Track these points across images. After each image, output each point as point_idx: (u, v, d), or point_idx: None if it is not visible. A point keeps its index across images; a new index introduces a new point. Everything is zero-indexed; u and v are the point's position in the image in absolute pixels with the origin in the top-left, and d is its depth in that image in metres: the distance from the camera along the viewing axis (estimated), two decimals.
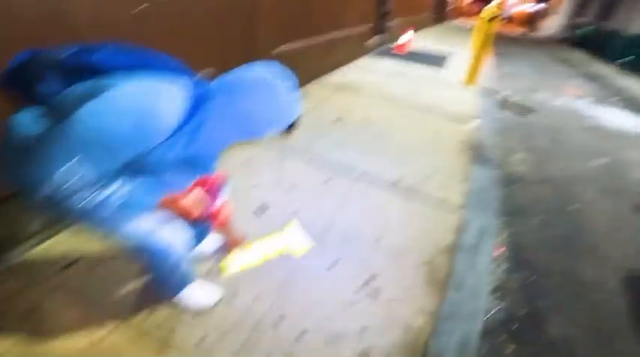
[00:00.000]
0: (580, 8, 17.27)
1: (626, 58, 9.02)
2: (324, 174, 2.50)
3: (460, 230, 2.07)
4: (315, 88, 4.24)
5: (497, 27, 4.68)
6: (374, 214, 2.12)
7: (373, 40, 6.52)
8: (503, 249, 2.16)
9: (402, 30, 7.34)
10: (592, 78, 7.73)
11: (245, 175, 2.36)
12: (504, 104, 4.80)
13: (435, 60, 6.69)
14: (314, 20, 3.94)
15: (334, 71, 5.01)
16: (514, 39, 16.51)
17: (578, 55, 11.25)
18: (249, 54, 2.82)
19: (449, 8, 20.07)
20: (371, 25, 6.12)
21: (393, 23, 7.58)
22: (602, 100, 5.88)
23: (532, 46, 13.47)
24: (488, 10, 4.42)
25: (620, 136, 4.29)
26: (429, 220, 2.13)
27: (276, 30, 3.15)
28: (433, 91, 4.65)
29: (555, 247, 2.27)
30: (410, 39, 7.21)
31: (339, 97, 3.97)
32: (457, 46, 8.89)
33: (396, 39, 7.37)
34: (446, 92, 4.65)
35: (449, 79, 5.27)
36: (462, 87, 4.93)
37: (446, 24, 18.94)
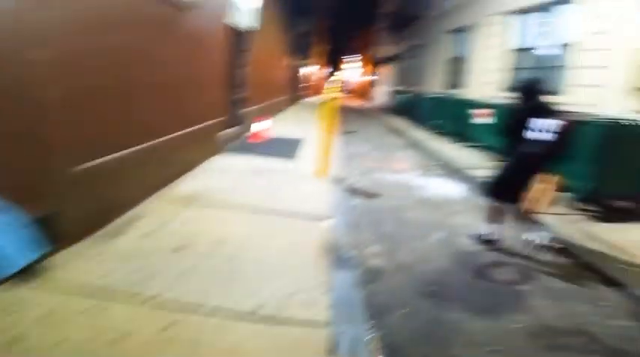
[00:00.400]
0: (399, 77, 21.24)
1: (436, 122, 10.68)
2: (164, 319, 2.03)
3: (330, 352, 1.89)
4: (152, 204, 3.66)
5: (337, 106, 5.19)
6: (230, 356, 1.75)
7: (227, 134, 6.48)
8: None
9: (259, 117, 7.54)
10: (416, 146, 9.12)
11: (45, 333, 1.73)
12: (353, 192, 5.12)
13: (290, 146, 6.95)
14: (138, 125, 3.47)
15: (181, 178, 4.54)
16: (355, 111, 19.12)
17: (403, 123, 13.28)
18: (38, 176, 2.33)
19: (302, 87, 22.54)
20: (222, 118, 6.08)
21: (249, 111, 7.79)
22: (427, 170, 6.82)
23: (369, 118, 15.66)
24: (328, 90, 4.98)
25: (447, 205, 4.94)
26: (294, 348, 1.87)
27: (78, 143, 2.63)
28: (289, 188, 4.64)
29: (427, 337, 2.27)
30: (266, 127, 7.43)
31: (184, 214, 3.55)
32: (310, 124, 9.68)
33: (252, 128, 7.55)
34: (302, 187, 4.70)
35: (303, 171, 5.39)
36: (316, 179, 5.12)
37: (301, 103, 21.07)
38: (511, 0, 9.23)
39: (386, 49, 22.58)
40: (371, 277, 2.99)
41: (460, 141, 9.11)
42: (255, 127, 7.25)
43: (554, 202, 4.01)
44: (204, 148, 5.36)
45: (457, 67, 12.74)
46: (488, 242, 3.47)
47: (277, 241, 3.19)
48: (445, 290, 2.86)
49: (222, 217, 3.62)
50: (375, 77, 29.91)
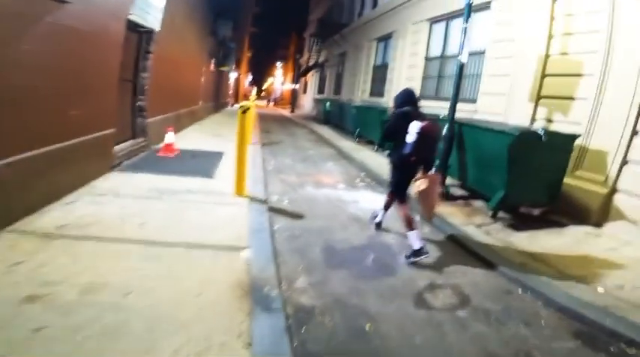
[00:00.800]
0: (326, 85, 21.32)
1: (362, 130, 10.61)
2: None
3: None
4: (7, 241, 2.74)
5: (253, 115, 4.56)
6: None
7: (126, 147, 5.44)
8: None
9: (171, 127, 6.52)
10: (343, 156, 8.84)
11: None
12: (277, 213, 4.50)
13: (208, 161, 6.12)
14: None
15: (52, 204, 3.52)
16: (280, 120, 18.59)
17: (330, 132, 13.01)
18: None
19: (227, 94, 21.37)
20: (117, 128, 5.05)
21: (157, 121, 6.76)
22: (355, 182, 6.44)
23: (294, 127, 15.22)
24: (252, 98, 4.30)
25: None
26: None
27: None
28: (200, 212, 3.86)
29: None
30: (172, 139, 6.45)
31: (46, 252, 2.64)
32: (232, 135, 8.88)
33: (159, 140, 6.53)
34: (216, 211, 3.95)
35: (220, 190, 4.66)
36: (234, 199, 4.41)
37: (226, 110, 19.93)
38: (433, 7, 9.48)
39: (312, 57, 22.47)
40: (300, 319, 2.40)
41: (380, 148, 9.03)
42: (167, 138, 6.28)
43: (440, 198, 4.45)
44: (89, 165, 4.33)
45: (381, 75, 12.90)
46: (417, 253, 3.37)
47: (182, 282, 2.46)
48: (387, 332, 2.37)
49: (103, 253, 2.74)
50: (299, 86, 29.75)
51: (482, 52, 7.42)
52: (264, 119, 16.96)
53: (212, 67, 13.53)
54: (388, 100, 11.39)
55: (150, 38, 5.91)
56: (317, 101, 19.03)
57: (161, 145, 6.36)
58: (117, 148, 5.14)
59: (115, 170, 4.98)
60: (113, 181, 4.62)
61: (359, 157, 8.19)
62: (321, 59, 21.86)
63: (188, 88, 9.75)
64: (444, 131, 5.38)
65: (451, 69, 8.68)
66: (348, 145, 10.11)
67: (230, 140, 8.37)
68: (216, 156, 6.59)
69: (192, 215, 3.79)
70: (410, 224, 3.39)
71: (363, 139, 10.51)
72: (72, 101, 3.84)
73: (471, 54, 7.87)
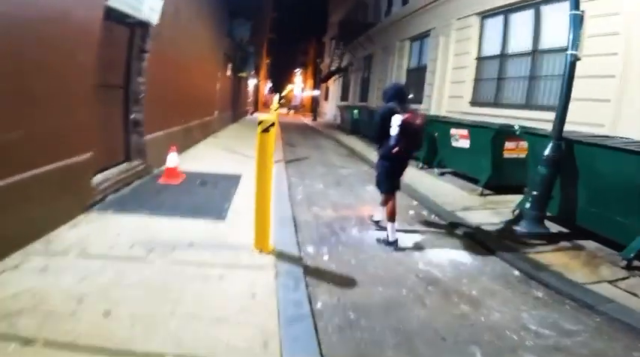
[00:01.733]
0: (351, 91, 19.90)
1: None
2: None
3: None
4: None
5: (273, 139, 3.13)
6: None
7: (111, 176, 4.13)
8: None
9: (175, 145, 5.19)
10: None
11: None
12: (315, 277, 3.06)
13: (221, 191, 4.76)
14: None
15: None
16: (303, 129, 17.25)
17: (358, 143, 11.43)
18: None
19: (245, 103, 20.23)
20: (97, 151, 3.75)
21: (158, 138, 5.48)
22: (408, 216, 4.89)
23: (319, 138, 13.79)
24: (274, 106, 2.94)
25: (468, 288, 3.06)
26: None
27: None
28: (202, 286, 2.42)
29: None
30: (176, 161, 5.09)
31: None
32: (252, 151, 7.53)
33: (161, 162, 5.22)
34: (227, 282, 2.50)
35: (234, 241, 3.27)
36: (253, 256, 3.01)
37: (245, 120, 18.75)
38: (485, 0, 7.94)
39: (334, 62, 21.14)
40: None
41: (429, 166, 7.51)
42: (170, 161, 4.95)
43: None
44: (51, 207, 3.01)
45: (417, 78, 11.39)
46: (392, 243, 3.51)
47: None
48: None
49: None
50: (320, 92, 28.45)
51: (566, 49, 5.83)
52: (286, 129, 15.64)
53: (229, 72, 12.31)
54: (430, 107, 9.86)
55: (145, 34, 4.62)
56: (342, 109, 17.57)
57: (165, 168, 5.03)
58: (99, 177, 3.83)
59: (94, 210, 3.65)
60: (85, 228, 3.27)
61: (404, 178, 6.66)
62: (344, 64, 20.49)
63: (201, 97, 8.50)
64: (547, 151, 3.84)
65: (515, 69, 7.11)
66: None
67: (249, 157, 7.03)
68: (232, 182, 5.21)
69: (190, 292, 2.39)
70: (392, 216, 3.51)
71: None
72: (10, 119, 2.52)
73: (549, 51, 6.31)
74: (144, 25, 4.68)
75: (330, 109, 25.34)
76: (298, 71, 47.16)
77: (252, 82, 22.94)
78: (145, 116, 4.74)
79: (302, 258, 3.22)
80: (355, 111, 13.69)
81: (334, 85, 24.81)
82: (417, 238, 4.06)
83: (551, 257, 3.51)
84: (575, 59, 3.73)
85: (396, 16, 13.13)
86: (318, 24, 32.13)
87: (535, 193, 3.95)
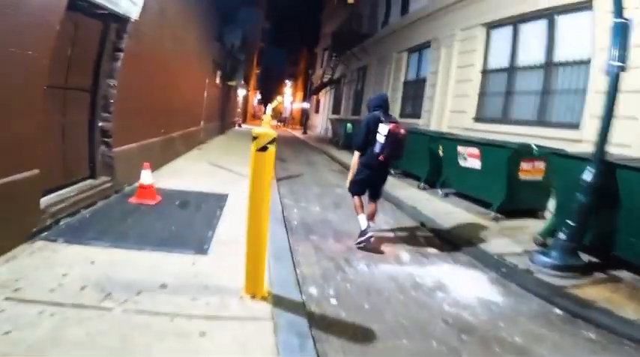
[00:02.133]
0: (336, 104, 19.45)
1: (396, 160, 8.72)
2: None
3: None
4: None
5: (272, 160, 2.46)
6: None
7: (66, 196, 3.39)
8: None
9: (148, 161, 4.49)
10: (383, 196, 6.80)
11: None
12: (321, 329, 2.41)
13: (204, 214, 4.08)
14: None
15: None
16: (293, 143, 16.65)
17: (348, 157, 11.10)
18: None
19: (233, 113, 19.56)
20: (35, 171, 3.02)
21: (131, 150, 4.77)
22: (416, 242, 4.33)
23: (311, 153, 13.24)
24: (260, 134, 2.12)
25: (509, 336, 2.45)
26: None
27: None
28: (176, 350, 1.83)
29: None
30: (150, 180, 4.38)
31: None
32: (242, 166, 6.86)
33: (134, 179, 4.51)
34: (209, 342, 1.89)
35: (218, 283, 2.58)
36: (243, 303, 2.34)
37: (233, 131, 18.05)
38: (492, 10, 7.54)
39: (327, 73, 20.75)
40: None
41: (430, 186, 6.97)
42: (143, 177, 4.24)
43: None
44: None
45: (415, 91, 10.97)
46: (363, 233, 3.67)
47: None
48: None
49: None
50: (310, 104, 28.02)
51: (587, 62, 5.41)
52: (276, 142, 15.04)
53: (218, 80, 11.69)
54: (429, 123, 9.39)
55: (121, 30, 3.97)
56: (334, 122, 17.04)
57: (139, 185, 4.32)
58: (50, 198, 3.12)
59: (40, 238, 2.92)
60: (23, 262, 2.55)
61: (406, 199, 6.09)
62: (336, 75, 20.10)
63: (185, 105, 7.84)
64: (588, 177, 3.30)
65: (526, 83, 6.67)
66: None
67: (237, 174, 6.37)
68: (217, 202, 4.54)
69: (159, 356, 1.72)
70: (358, 210, 3.74)
71: (399, 170, 8.42)
72: None
73: (567, 64, 5.88)
74: (121, 20, 4.03)
75: (320, 122, 24.87)
76: (288, 83, 46.85)
77: (241, 92, 22.34)
78: (115, 125, 4.05)
79: (305, 304, 2.58)
80: (348, 125, 13.17)
81: (325, 98, 24.41)
82: (435, 272, 3.46)
83: (591, 291, 3.05)
84: (621, 71, 3.23)
85: (394, 27, 12.78)
86: (310, 35, 31.92)
87: (571, 222, 3.40)
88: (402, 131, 3.53)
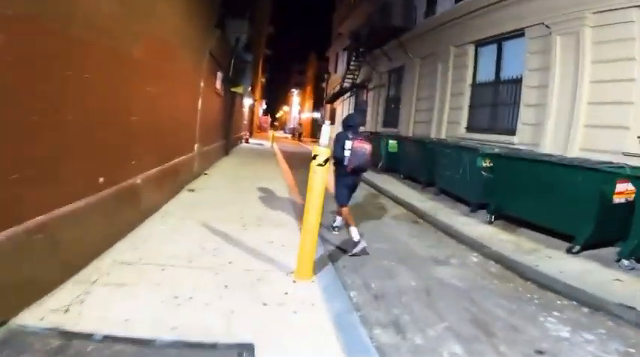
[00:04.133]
0: (372, 114, 16.46)
1: (492, 203, 5.49)
2: None
3: None
4: None
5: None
6: None
7: None
8: None
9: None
10: (513, 280, 3.68)
11: None
12: None
13: None
14: None
15: None
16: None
17: (405, 190, 7.86)
18: None
19: (240, 127, 16.29)
20: None
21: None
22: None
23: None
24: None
25: None
26: None
27: None
28: None
29: None
30: None
31: None
32: (271, 229, 3.64)
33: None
34: None
35: None
36: None
37: (240, 149, 14.68)
38: None
39: (348, 77, 17.72)
40: None
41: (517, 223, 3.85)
42: None
43: None
44: None
45: (495, 96, 7.87)
46: (335, 228, 4.60)
47: None
48: None
49: None
50: (321, 114, 24.97)
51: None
52: (294, 162, 11.90)
53: (218, 84, 8.58)
54: (537, 142, 6.26)
55: None
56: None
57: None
58: None
59: None
60: None
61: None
62: (359, 79, 17.05)
63: (164, 123, 4.73)
64: None
65: None
66: (480, 233, 4.85)
67: (267, 259, 3.13)
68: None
69: None
70: (348, 222, 4.02)
71: (501, 213, 5.27)
72: None
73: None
74: None
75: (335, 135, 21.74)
76: (295, 91, 43.97)
77: (247, 102, 19.31)
78: None
79: None
80: (391, 142, 10.05)
81: (343, 106, 21.39)
82: None
83: None
84: None
85: (448, 16, 9.71)
86: (319, 38, 29.03)
87: None
88: (366, 146, 3.93)
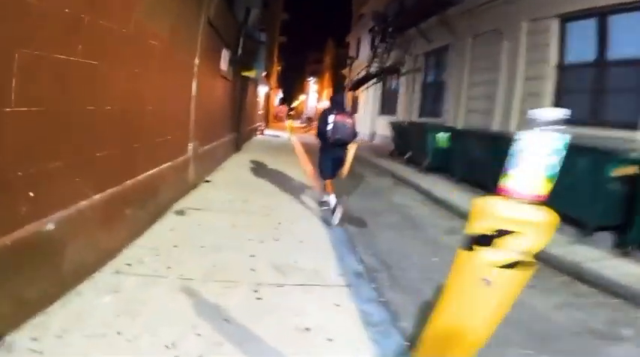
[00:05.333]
0: (387, 102, 14.50)
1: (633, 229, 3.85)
2: None
3: None
4: None
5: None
6: None
7: None
8: None
9: None
10: None
11: None
12: None
13: None
14: None
15: None
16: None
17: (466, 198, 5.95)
18: None
19: (254, 118, 14.34)
20: None
21: None
22: None
23: (384, 186, 8.14)
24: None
25: None
26: None
27: None
28: None
29: None
30: None
31: None
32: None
33: None
34: None
35: None
36: None
37: (255, 142, 12.61)
38: None
39: (375, 62, 15.64)
40: None
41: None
42: None
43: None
44: None
45: (596, 81, 5.77)
46: (323, 203, 4.54)
47: None
48: None
49: None
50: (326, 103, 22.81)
51: None
52: (313, 157, 9.95)
53: (224, 66, 6.66)
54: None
55: None
56: (394, 127, 11.76)
57: None
58: None
59: None
60: None
61: None
62: (388, 63, 14.92)
63: (132, 117, 2.90)
64: None
65: None
66: (628, 275, 2.90)
67: None
68: None
69: None
70: (326, 190, 4.36)
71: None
72: None
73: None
74: None
75: (364, 125, 19.59)
76: (312, 80, 41.86)
77: (262, 90, 17.42)
78: None
79: None
80: (441, 135, 8.01)
81: (365, 95, 19.30)
82: None
83: None
84: None
85: None
86: (336, 24, 26.89)
87: None
88: (348, 120, 4.17)
